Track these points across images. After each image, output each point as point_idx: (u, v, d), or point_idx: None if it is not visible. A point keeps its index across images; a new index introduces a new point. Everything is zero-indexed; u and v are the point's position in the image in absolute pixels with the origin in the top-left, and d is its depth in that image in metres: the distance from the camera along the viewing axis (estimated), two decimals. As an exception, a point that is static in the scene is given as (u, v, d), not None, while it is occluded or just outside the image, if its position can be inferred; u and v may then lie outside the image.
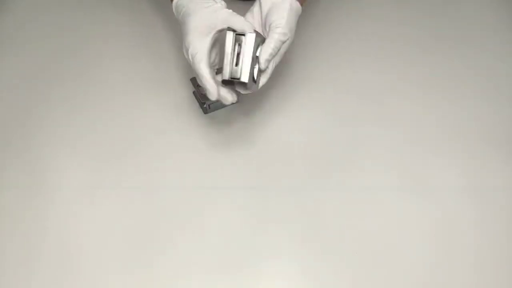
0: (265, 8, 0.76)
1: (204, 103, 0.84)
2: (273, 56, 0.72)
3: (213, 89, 0.70)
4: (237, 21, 0.71)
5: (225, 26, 0.71)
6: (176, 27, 0.99)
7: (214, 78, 0.71)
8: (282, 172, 0.80)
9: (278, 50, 0.73)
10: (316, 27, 0.97)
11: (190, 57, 0.72)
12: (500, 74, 0.92)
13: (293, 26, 0.75)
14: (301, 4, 0.78)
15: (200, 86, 0.86)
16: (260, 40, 0.72)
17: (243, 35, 0.70)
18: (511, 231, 0.74)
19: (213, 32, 0.72)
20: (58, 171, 0.79)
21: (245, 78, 0.70)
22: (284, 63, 0.90)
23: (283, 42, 0.73)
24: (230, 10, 0.73)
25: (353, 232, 0.74)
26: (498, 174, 0.79)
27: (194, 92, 0.88)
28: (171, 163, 0.81)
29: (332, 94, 0.89)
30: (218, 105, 0.86)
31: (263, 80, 0.75)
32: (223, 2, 0.75)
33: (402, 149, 0.82)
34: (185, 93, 0.89)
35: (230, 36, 0.70)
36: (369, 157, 0.81)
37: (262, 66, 0.72)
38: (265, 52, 0.71)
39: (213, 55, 0.75)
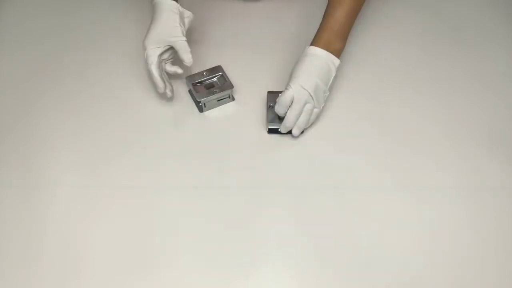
0: (325, 72, 0.83)
1: (200, 101, 0.85)
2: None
3: (161, 85, 0.84)
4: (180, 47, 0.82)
5: (171, 44, 0.83)
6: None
7: (160, 76, 0.84)
8: (278, 172, 0.80)
9: (285, 99, 0.80)
10: (308, 28, 0.97)
11: (144, 56, 0.84)
12: (495, 75, 0.93)
13: (311, 79, 0.80)
14: (336, 52, 0.83)
15: (196, 85, 0.88)
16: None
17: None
18: (505, 231, 0.75)
19: (166, 44, 0.83)
20: (56, 171, 0.80)
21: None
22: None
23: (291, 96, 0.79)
24: (183, 36, 0.83)
25: (348, 232, 0.74)
26: (493, 175, 0.80)
27: (189, 91, 0.89)
28: (168, 162, 0.81)
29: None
30: (213, 103, 0.87)
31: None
32: (189, 13, 0.85)
33: (397, 149, 0.83)
34: (181, 92, 0.90)
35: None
36: (366, 157, 0.82)
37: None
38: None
39: (166, 55, 0.85)
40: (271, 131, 0.84)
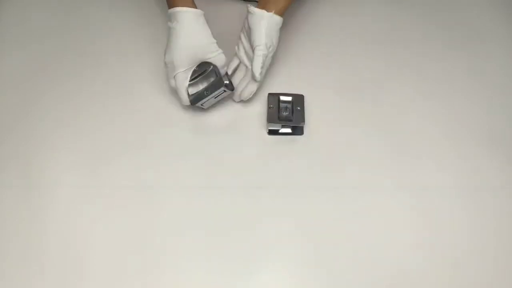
0: (248, 31, 0.83)
1: (197, 104, 0.83)
2: (262, 68, 0.82)
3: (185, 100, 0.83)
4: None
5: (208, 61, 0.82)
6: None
7: (187, 95, 0.83)
8: (278, 172, 0.80)
9: (264, 62, 0.81)
10: (307, 28, 0.98)
11: (170, 75, 0.82)
12: (495, 75, 0.93)
13: (273, 38, 0.82)
14: (281, 15, 0.83)
15: (190, 86, 0.86)
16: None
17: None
18: (505, 231, 0.75)
19: (199, 63, 0.82)
20: (56, 171, 0.80)
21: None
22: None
23: (266, 55, 0.81)
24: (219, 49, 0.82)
25: (348, 232, 0.75)
26: (493, 175, 0.80)
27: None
28: (168, 162, 0.81)
29: (327, 94, 0.89)
30: (212, 101, 0.85)
31: (253, 87, 0.85)
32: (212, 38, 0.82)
33: (397, 149, 0.83)
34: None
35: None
36: (366, 158, 0.82)
37: (258, 79, 0.82)
38: (255, 67, 0.81)
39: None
40: (271, 132, 0.84)
